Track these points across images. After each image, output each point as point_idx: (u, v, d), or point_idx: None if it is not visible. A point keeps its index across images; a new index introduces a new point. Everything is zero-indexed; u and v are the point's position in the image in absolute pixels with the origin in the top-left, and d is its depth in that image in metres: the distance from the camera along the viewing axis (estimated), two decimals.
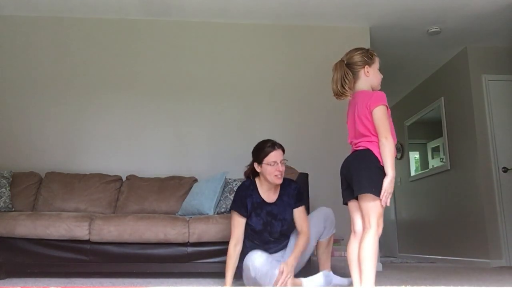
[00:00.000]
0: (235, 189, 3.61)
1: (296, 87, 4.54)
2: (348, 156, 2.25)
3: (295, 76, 4.56)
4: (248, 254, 2.52)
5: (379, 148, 2.06)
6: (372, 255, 1.95)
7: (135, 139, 4.31)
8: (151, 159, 4.26)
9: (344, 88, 2.16)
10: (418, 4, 4.23)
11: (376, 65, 2.22)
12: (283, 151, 2.68)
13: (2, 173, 3.72)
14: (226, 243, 3.25)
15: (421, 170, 6.47)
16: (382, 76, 2.25)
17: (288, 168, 3.35)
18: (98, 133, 4.29)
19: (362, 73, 2.19)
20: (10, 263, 3.15)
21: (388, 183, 2.00)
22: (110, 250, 3.21)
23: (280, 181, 2.63)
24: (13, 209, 3.57)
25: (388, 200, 2.00)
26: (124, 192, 3.86)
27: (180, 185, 3.88)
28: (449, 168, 5.51)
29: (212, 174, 3.88)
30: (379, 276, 3.44)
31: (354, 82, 2.20)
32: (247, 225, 2.63)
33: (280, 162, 2.62)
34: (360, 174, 2.06)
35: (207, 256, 3.25)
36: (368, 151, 2.08)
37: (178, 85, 4.47)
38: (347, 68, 2.19)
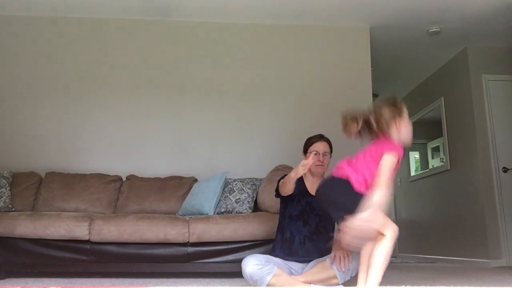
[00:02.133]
0: (235, 189, 3.62)
1: (296, 87, 4.54)
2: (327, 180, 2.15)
3: (295, 76, 4.56)
4: (245, 258, 2.52)
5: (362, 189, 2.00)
6: (382, 264, 1.91)
7: (135, 139, 4.31)
8: (151, 159, 4.26)
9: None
10: (418, 4, 4.23)
11: (406, 115, 2.14)
12: (330, 145, 2.78)
13: (2, 173, 3.72)
14: (226, 243, 3.27)
15: (421, 170, 6.48)
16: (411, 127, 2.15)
17: (287, 168, 3.35)
18: (98, 133, 4.29)
19: (393, 126, 2.08)
20: (10, 263, 3.15)
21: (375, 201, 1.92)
22: (110, 250, 3.21)
23: (321, 171, 2.71)
24: (13, 209, 3.57)
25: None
26: (124, 192, 3.86)
27: (180, 185, 3.88)
28: (449, 168, 5.51)
29: (212, 174, 3.88)
30: None
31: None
32: (285, 210, 2.70)
33: (323, 153, 2.72)
34: (343, 198, 2.03)
35: (207, 256, 3.25)
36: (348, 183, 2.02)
37: (178, 85, 4.47)
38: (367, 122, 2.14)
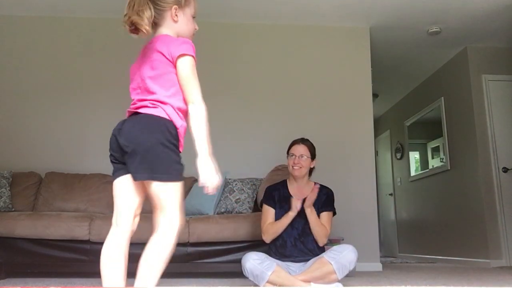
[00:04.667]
0: (235, 189, 3.62)
1: (296, 87, 4.54)
2: (125, 122, 1.55)
3: (295, 76, 4.56)
4: (245, 254, 2.56)
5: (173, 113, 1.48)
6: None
7: None
8: None
9: (142, 19, 1.50)
10: (418, 4, 4.23)
11: (191, 10, 1.64)
12: (310, 149, 2.83)
13: (2, 173, 3.72)
14: (226, 243, 3.27)
15: (421, 170, 6.47)
16: (196, 28, 1.68)
17: (285, 168, 3.35)
18: (98, 133, 4.29)
19: (168, 14, 1.58)
20: (10, 263, 3.15)
21: (203, 165, 1.49)
22: None
23: (297, 173, 2.77)
24: (13, 209, 3.57)
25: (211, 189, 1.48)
26: None
27: None
28: (449, 168, 5.51)
29: None
30: (379, 276, 3.44)
31: (156, 24, 1.59)
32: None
33: (299, 155, 2.78)
34: (147, 152, 1.43)
35: (207, 256, 3.25)
36: (156, 118, 1.46)
37: None
38: (151, 4, 1.54)
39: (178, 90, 1.51)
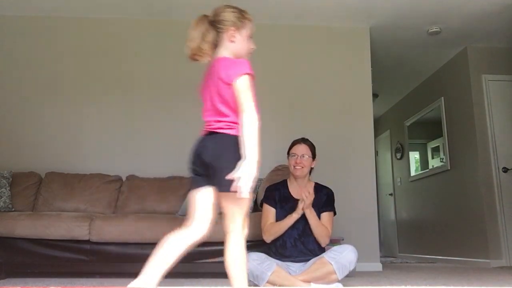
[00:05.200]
0: None
1: (296, 87, 4.54)
2: (205, 140, 1.70)
3: (295, 76, 4.56)
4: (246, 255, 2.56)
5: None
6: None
7: (135, 139, 4.31)
8: (151, 159, 4.26)
9: (202, 48, 1.70)
10: (418, 4, 4.23)
11: (247, 31, 1.74)
12: (311, 148, 2.83)
13: (2, 173, 3.72)
14: None
15: (421, 170, 6.47)
16: (253, 47, 1.78)
17: (287, 168, 3.35)
18: (98, 133, 4.29)
19: (226, 36, 1.71)
20: (10, 263, 3.15)
21: (245, 170, 1.53)
22: (110, 250, 3.21)
23: (299, 173, 2.76)
24: (13, 209, 3.57)
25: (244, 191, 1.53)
26: (124, 192, 3.86)
27: (180, 185, 3.88)
28: (449, 168, 5.51)
29: None
30: (379, 276, 3.44)
31: (216, 46, 1.73)
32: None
33: (300, 155, 2.77)
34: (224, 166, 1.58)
35: (208, 256, 3.25)
36: (234, 138, 1.61)
37: (178, 85, 4.46)
38: (210, 26, 1.72)
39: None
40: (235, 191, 1.53)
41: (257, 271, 2.47)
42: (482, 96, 5.04)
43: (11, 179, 3.74)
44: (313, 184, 2.82)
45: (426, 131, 6.34)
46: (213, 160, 1.62)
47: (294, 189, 2.82)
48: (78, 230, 3.20)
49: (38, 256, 3.19)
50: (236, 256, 1.63)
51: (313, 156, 2.84)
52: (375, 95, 6.22)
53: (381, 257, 4.77)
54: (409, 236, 6.83)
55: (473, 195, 4.99)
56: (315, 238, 2.69)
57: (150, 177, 3.96)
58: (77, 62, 4.43)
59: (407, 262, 5.78)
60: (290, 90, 4.53)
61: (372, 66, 4.69)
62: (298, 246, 2.69)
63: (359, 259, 2.61)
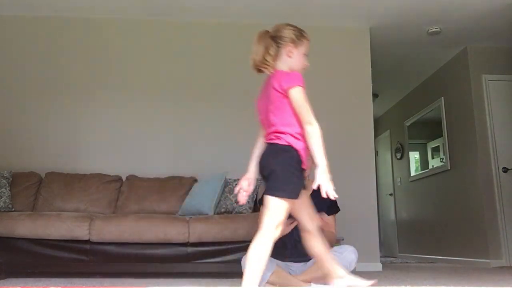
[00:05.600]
0: (235, 189, 3.61)
1: None
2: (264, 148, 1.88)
3: None
4: (245, 255, 2.55)
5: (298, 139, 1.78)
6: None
7: (135, 139, 4.31)
8: (151, 159, 4.26)
9: (267, 60, 1.85)
10: (418, 4, 4.23)
11: (303, 48, 1.92)
12: None
13: (2, 173, 3.72)
14: (226, 243, 3.27)
15: (421, 170, 6.47)
16: (307, 64, 1.96)
17: None
18: (98, 133, 4.29)
19: (284, 51, 1.88)
20: (10, 263, 3.15)
21: (321, 175, 1.72)
22: (110, 250, 3.21)
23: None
24: (13, 209, 3.57)
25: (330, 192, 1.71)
26: (124, 192, 3.86)
27: (180, 185, 3.88)
28: (449, 168, 5.51)
29: (212, 174, 3.88)
30: (379, 276, 3.44)
31: (274, 59, 1.89)
32: None
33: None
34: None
35: (207, 256, 3.25)
36: (279, 147, 1.78)
37: (178, 85, 4.47)
38: (271, 40, 1.88)
39: (292, 118, 1.79)
40: (274, 196, 1.71)
41: None
42: (482, 96, 5.04)
43: (11, 179, 3.74)
44: (311, 183, 2.80)
45: (426, 131, 6.34)
46: (262, 168, 1.83)
47: None
48: (78, 230, 3.20)
49: (38, 256, 3.19)
50: (256, 254, 1.72)
51: None
52: (375, 95, 6.22)
53: (381, 257, 4.77)
54: (409, 236, 6.83)
55: (473, 195, 4.99)
56: None
57: (150, 177, 3.96)
58: (77, 62, 4.43)
59: (407, 262, 5.78)
60: None
61: (372, 66, 4.69)
62: (298, 247, 2.67)
63: (359, 259, 2.61)
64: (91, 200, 3.72)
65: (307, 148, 1.79)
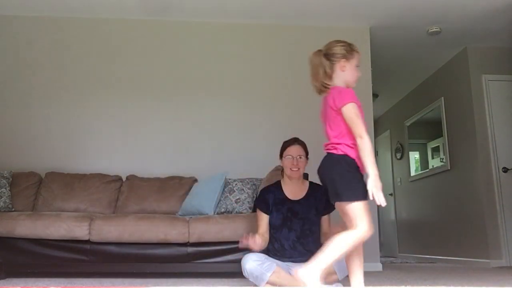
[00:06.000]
0: (235, 189, 3.61)
1: (296, 87, 4.53)
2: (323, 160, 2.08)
3: (295, 76, 4.56)
4: (245, 255, 2.54)
5: (350, 149, 1.96)
6: (337, 249, 1.87)
7: (135, 139, 4.31)
8: (151, 159, 4.26)
9: (325, 83, 2.06)
10: (418, 4, 4.23)
11: (355, 61, 2.09)
12: (305, 148, 2.79)
13: (2, 173, 3.72)
14: (226, 243, 3.26)
15: (421, 170, 6.47)
16: (360, 75, 2.12)
17: None
18: (98, 133, 4.29)
19: (338, 66, 2.05)
20: (10, 263, 3.15)
21: (373, 183, 1.88)
22: (110, 250, 3.21)
23: (297, 175, 2.71)
24: (13, 209, 3.57)
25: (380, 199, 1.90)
26: (124, 192, 3.86)
27: (180, 185, 3.88)
28: (449, 168, 5.51)
29: (212, 174, 3.88)
30: (379, 276, 3.44)
31: (331, 78, 2.07)
32: (269, 223, 2.71)
33: (297, 156, 2.71)
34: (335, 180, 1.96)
35: (207, 256, 3.25)
36: (335, 157, 1.99)
37: (178, 85, 4.47)
38: (325, 59, 2.07)
39: (345, 131, 1.96)
40: (341, 201, 1.91)
41: (256, 272, 2.46)
42: (482, 96, 5.04)
43: (11, 179, 3.74)
44: (307, 184, 2.80)
45: (426, 131, 6.34)
46: (321, 178, 2.05)
47: (289, 190, 2.76)
48: (78, 230, 3.20)
49: (38, 256, 3.19)
50: (340, 241, 1.86)
51: (307, 156, 2.79)
52: (375, 95, 6.22)
53: (381, 257, 4.77)
54: (409, 236, 6.83)
55: (473, 195, 4.99)
56: (314, 238, 2.67)
57: (150, 177, 3.96)
58: (77, 62, 4.43)
59: (407, 262, 5.78)
60: (291, 90, 4.52)
61: (372, 66, 4.68)
62: (297, 247, 2.66)
63: None
64: (91, 200, 3.72)
65: (359, 158, 1.94)
